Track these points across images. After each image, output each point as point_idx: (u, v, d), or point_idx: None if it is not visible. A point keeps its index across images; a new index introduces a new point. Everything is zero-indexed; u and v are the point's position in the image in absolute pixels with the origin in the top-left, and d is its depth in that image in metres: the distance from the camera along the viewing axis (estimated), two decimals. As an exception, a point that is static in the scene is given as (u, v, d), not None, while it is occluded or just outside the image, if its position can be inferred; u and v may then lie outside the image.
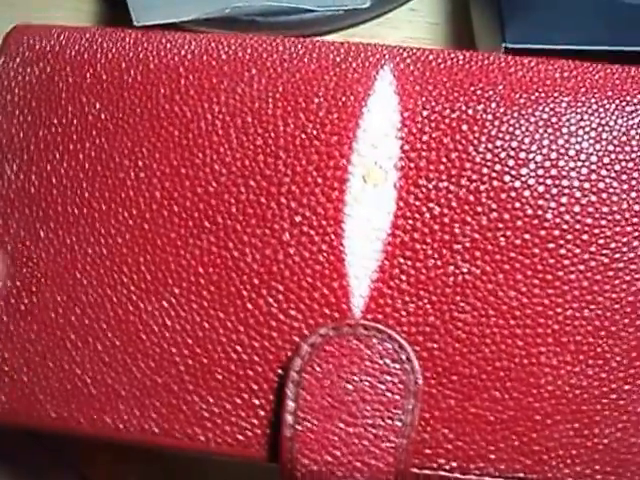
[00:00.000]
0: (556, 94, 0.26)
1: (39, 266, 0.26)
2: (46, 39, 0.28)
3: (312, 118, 0.26)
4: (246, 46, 0.27)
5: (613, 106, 0.26)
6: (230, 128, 0.26)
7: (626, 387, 0.24)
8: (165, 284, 0.26)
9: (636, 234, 0.25)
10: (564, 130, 0.26)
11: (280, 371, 0.25)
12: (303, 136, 0.26)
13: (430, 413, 0.24)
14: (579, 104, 0.26)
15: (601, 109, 0.26)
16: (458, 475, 0.24)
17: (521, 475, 0.24)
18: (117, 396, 0.25)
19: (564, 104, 0.26)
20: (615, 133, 0.25)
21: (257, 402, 0.25)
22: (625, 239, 0.25)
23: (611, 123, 0.26)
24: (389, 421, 0.24)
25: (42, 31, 0.28)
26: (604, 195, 0.25)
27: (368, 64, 0.27)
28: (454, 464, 0.24)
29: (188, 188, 0.26)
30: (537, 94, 0.26)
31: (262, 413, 0.25)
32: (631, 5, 0.33)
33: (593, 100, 0.26)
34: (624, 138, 0.25)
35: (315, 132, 0.26)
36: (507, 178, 0.25)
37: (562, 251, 0.25)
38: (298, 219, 0.26)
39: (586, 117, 0.26)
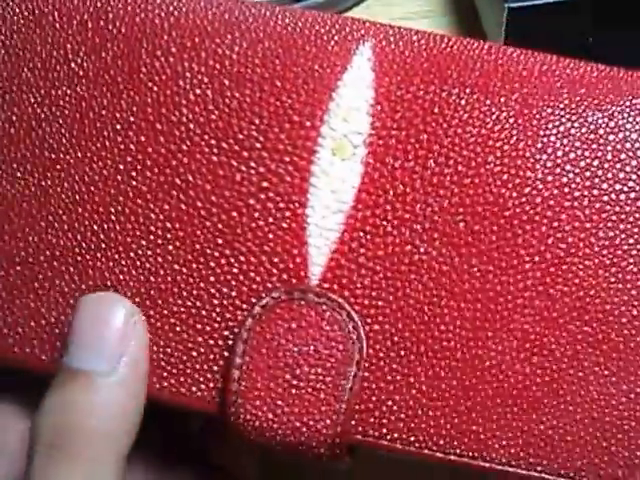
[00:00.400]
0: (530, 86, 0.26)
1: (12, 206, 0.27)
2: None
3: (288, 87, 0.27)
4: (234, 9, 0.28)
5: (585, 104, 0.26)
6: (208, 89, 0.27)
7: (567, 378, 0.25)
8: (133, 235, 0.26)
9: (594, 231, 0.25)
10: (534, 122, 0.26)
11: (235, 329, 0.25)
12: (278, 104, 0.27)
13: (376, 384, 0.25)
14: (552, 98, 0.26)
15: (573, 105, 0.26)
16: (398, 445, 0.25)
17: (457, 451, 0.25)
18: None
19: (537, 97, 0.26)
20: (584, 130, 0.26)
21: (211, 357, 0.26)
22: (582, 235, 0.25)
23: (581, 120, 0.26)
24: (330, 386, 0.25)
25: None
26: (566, 189, 0.26)
27: (350, 38, 0.27)
28: (395, 435, 0.25)
29: (162, 144, 0.27)
30: (511, 85, 0.26)
31: (215, 368, 0.25)
32: None
33: (565, 96, 0.26)
34: (592, 136, 0.26)
35: (290, 101, 0.26)
36: (472, 164, 0.26)
37: (519, 240, 0.25)
38: (265, 184, 0.26)
39: (557, 112, 0.26)
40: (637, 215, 0.25)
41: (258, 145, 0.26)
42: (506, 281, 0.25)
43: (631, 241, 0.25)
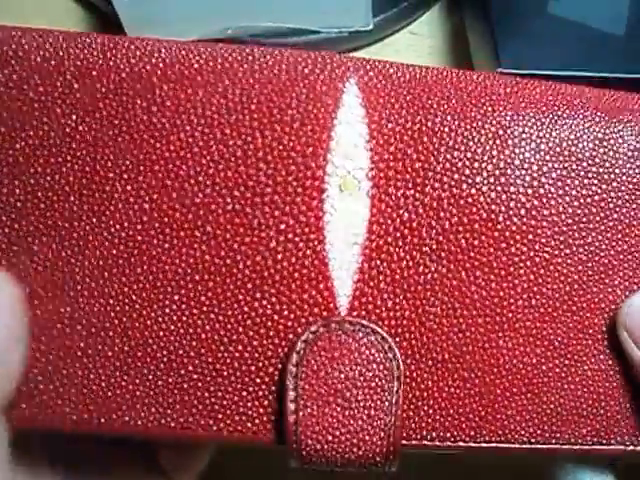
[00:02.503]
0: (501, 108, 0.29)
1: (37, 280, 0.26)
2: (7, 42, 0.28)
3: (287, 130, 0.28)
4: (216, 55, 0.28)
5: (548, 120, 0.30)
6: (210, 140, 0.28)
7: (565, 362, 0.29)
8: (165, 292, 0.27)
9: (570, 233, 0.29)
10: (509, 142, 0.29)
11: (279, 365, 0.27)
12: (280, 147, 0.28)
13: (412, 393, 0.28)
14: (520, 117, 0.30)
15: (538, 122, 0.30)
16: (437, 443, 0.28)
17: (486, 438, 0.28)
18: (133, 396, 0.27)
19: (508, 117, 0.29)
20: (550, 144, 0.30)
21: (261, 394, 0.27)
22: (562, 237, 0.29)
23: (547, 135, 0.30)
24: (378, 402, 0.27)
25: (1, 33, 0.28)
26: (544, 199, 0.29)
27: (335, 76, 0.29)
28: (434, 434, 0.28)
29: (176, 200, 0.27)
30: (485, 108, 0.29)
31: (266, 403, 0.27)
32: (614, 35, 0.37)
33: (531, 114, 0.30)
34: (558, 149, 0.30)
35: (291, 144, 0.28)
36: (464, 186, 0.29)
37: (512, 249, 0.29)
38: (283, 227, 0.28)
39: (527, 130, 0.29)
40: (602, 214, 0.30)
41: (269, 190, 0.28)
42: (507, 286, 0.29)
43: (600, 237, 0.29)
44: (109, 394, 0.27)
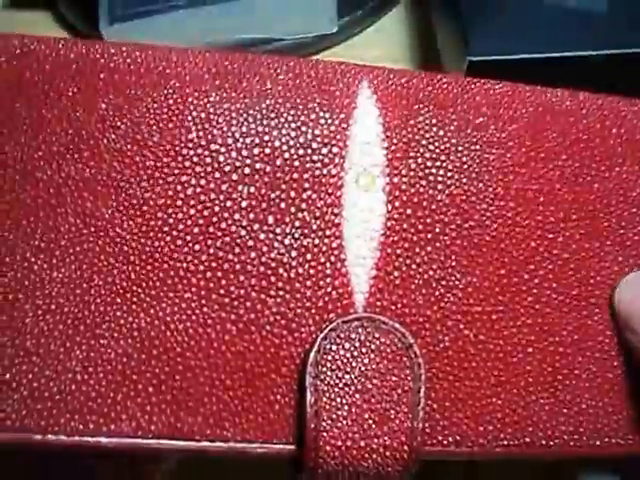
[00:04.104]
0: (501, 111, 0.30)
1: (50, 287, 0.26)
2: (5, 48, 0.28)
3: (304, 130, 0.28)
4: (234, 62, 0.29)
5: (548, 117, 0.31)
6: (228, 139, 0.28)
7: (570, 358, 0.29)
8: (182, 297, 0.27)
9: (579, 222, 0.30)
10: (509, 143, 0.30)
11: (299, 366, 0.27)
12: (297, 146, 0.28)
13: (434, 394, 0.27)
14: (528, 126, 0.30)
15: (537, 122, 0.30)
16: (463, 449, 0.27)
17: (504, 443, 0.28)
18: (146, 403, 0.26)
19: (515, 126, 0.30)
20: (551, 137, 0.30)
21: (279, 397, 0.27)
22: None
23: (549, 130, 0.30)
24: (401, 404, 0.27)
25: (18, 39, 0.28)
26: (551, 197, 0.30)
27: (348, 80, 0.29)
28: (450, 439, 0.27)
29: (191, 196, 0.27)
30: (485, 111, 0.30)
31: (286, 407, 0.27)
32: (577, 10, 0.37)
33: (525, 115, 0.30)
34: (560, 139, 0.30)
35: (309, 143, 0.28)
36: (474, 182, 0.29)
37: (523, 245, 0.29)
38: (298, 223, 0.28)
39: (523, 132, 0.30)
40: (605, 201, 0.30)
41: (285, 187, 0.28)
42: (519, 281, 0.29)
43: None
44: (118, 400, 0.26)
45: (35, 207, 0.26)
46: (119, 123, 0.27)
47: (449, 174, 0.29)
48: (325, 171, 0.28)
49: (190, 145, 0.27)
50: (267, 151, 0.28)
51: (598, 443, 0.28)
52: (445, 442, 0.27)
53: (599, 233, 0.30)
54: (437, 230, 0.29)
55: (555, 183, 0.30)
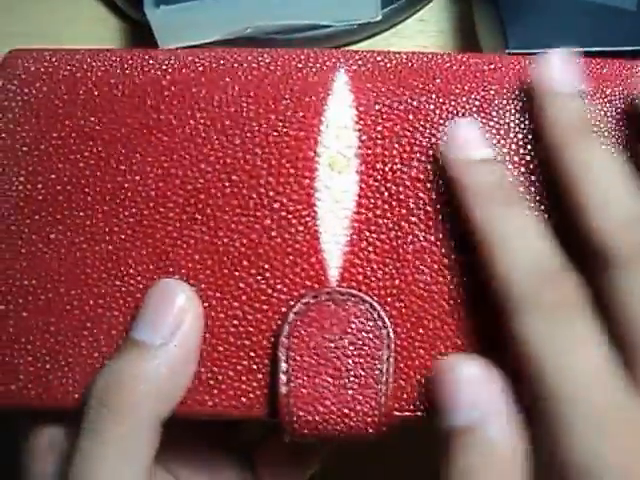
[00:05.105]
0: (485, 83, 0.31)
1: (51, 266, 0.30)
2: (40, 61, 0.32)
3: (281, 117, 0.31)
4: (218, 58, 0.31)
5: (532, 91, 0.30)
6: (211, 131, 0.30)
7: None
8: (167, 272, 0.30)
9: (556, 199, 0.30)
10: (494, 113, 0.30)
11: (272, 339, 0.29)
12: (275, 134, 0.30)
13: (404, 363, 0.29)
14: (504, 91, 0.31)
15: (522, 94, 0.30)
16: (423, 414, 0.28)
17: None
18: None
19: (492, 91, 0.31)
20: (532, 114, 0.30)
21: (255, 367, 0.29)
22: (554, 202, 0.29)
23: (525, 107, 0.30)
24: (369, 371, 0.28)
25: (36, 54, 0.32)
26: (531, 166, 0.30)
27: (325, 68, 0.31)
28: (420, 405, 0.28)
29: (179, 186, 0.30)
30: (469, 84, 0.31)
31: (260, 377, 0.29)
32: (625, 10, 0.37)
33: (515, 87, 0.31)
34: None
35: (285, 130, 0.30)
36: None
37: None
38: (277, 206, 0.30)
39: (510, 102, 0.30)
40: None
41: (264, 172, 0.30)
42: None
43: None
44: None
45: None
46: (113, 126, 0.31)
47: (424, 150, 0.30)
48: (300, 155, 0.30)
49: (176, 140, 0.30)
50: (247, 140, 0.30)
51: None
52: (414, 408, 0.28)
53: None
54: (411, 206, 0.30)
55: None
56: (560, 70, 0.29)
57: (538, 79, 0.29)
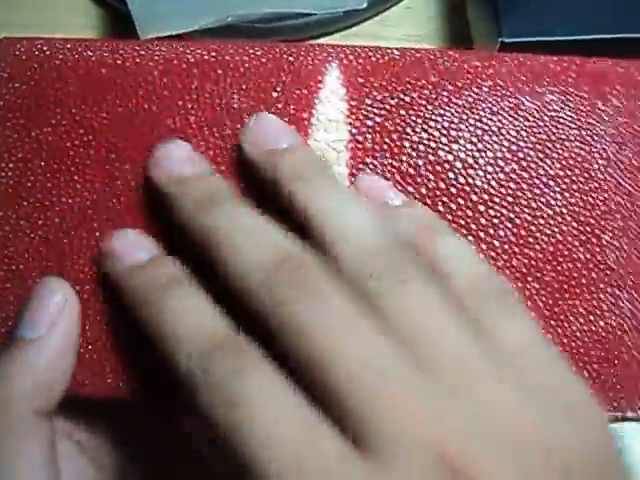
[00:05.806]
0: (478, 80, 0.31)
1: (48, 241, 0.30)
2: (31, 50, 0.32)
3: (272, 110, 0.30)
4: (210, 50, 0.31)
5: (526, 88, 0.30)
6: (202, 121, 0.30)
7: (552, 322, 0.29)
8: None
9: (552, 194, 0.30)
10: (487, 110, 0.30)
11: None
12: None
13: None
14: (497, 87, 0.31)
15: (516, 92, 0.30)
16: None
17: None
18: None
19: (485, 88, 0.30)
20: (529, 111, 0.30)
21: None
22: (543, 199, 0.29)
23: (526, 103, 0.30)
24: None
25: (27, 43, 0.32)
26: (524, 163, 0.30)
27: (318, 62, 0.31)
28: None
29: None
30: (462, 81, 0.31)
31: None
32: None
33: (509, 84, 0.31)
34: (537, 115, 0.30)
35: None
36: (441, 153, 0.30)
37: (491, 212, 0.29)
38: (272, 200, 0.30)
39: (504, 99, 0.30)
40: (585, 175, 0.30)
41: None
42: (486, 248, 0.29)
43: (584, 198, 0.30)
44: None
45: None
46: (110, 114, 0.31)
47: (415, 145, 0.30)
48: None
49: (167, 130, 0.30)
50: (237, 131, 0.30)
51: None
52: None
53: (578, 200, 0.30)
54: None
55: (530, 154, 0.30)
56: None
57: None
